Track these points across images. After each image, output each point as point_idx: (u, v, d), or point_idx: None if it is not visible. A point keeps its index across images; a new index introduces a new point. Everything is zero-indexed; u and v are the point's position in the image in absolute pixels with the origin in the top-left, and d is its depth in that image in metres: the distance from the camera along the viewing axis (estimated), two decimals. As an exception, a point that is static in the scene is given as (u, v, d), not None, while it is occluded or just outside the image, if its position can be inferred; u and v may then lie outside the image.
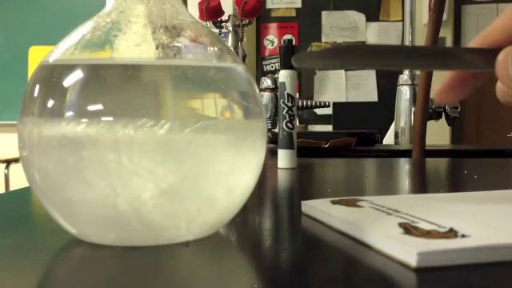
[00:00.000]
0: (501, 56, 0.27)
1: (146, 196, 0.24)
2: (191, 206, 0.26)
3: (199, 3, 1.22)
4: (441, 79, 0.32)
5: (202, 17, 1.23)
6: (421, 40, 1.10)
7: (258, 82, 1.42)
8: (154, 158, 0.24)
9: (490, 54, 0.28)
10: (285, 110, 0.69)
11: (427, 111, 1.05)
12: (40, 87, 0.26)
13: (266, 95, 1.35)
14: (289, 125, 0.69)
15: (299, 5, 3.18)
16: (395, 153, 1.17)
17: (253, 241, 0.29)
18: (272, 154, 0.74)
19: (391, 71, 3.01)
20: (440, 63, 0.29)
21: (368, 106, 2.92)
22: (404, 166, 0.80)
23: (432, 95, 1.09)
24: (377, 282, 0.21)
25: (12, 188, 2.59)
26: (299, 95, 3.05)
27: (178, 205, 0.25)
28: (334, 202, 0.34)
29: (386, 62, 0.28)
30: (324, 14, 3.17)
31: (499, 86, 0.30)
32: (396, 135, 1.35)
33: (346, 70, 3.13)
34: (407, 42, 1.37)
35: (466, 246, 0.23)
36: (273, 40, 3.21)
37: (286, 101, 0.69)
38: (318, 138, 1.11)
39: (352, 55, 0.26)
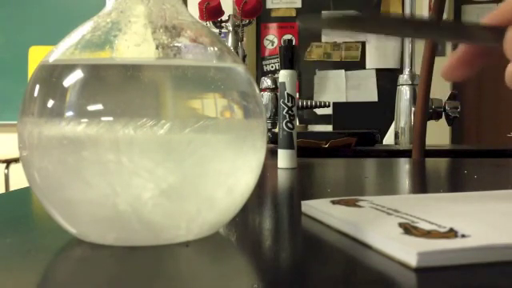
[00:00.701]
0: (510, 33, 0.27)
1: (146, 196, 0.24)
2: (191, 206, 0.26)
3: (199, 3, 1.22)
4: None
5: (202, 17, 1.23)
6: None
7: (258, 82, 1.42)
8: (154, 158, 0.24)
9: (499, 30, 0.28)
10: (285, 110, 0.69)
11: (427, 111, 1.05)
12: (40, 87, 0.26)
13: (266, 95, 1.35)
14: (289, 125, 0.69)
15: (299, 5, 3.18)
16: (395, 153, 1.17)
17: (253, 241, 0.29)
18: (272, 154, 0.74)
19: (391, 71, 3.02)
20: (449, 35, 0.29)
21: (368, 105, 2.92)
22: (404, 166, 0.80)
23: (432, 95, 1.09)
24: (377, 282, 0.21)
25: (12, 188, 2.59)
26: (299, 95, 3.05)
27: (178, 205, 0.25)
28: (334, 202, 0.34)
29: (394, 32, 0.29)
30: (324, 14, 3.16)
31: (509, 71, 0.30)
32: (396, 135, 1.35)
33: (346, 70, 3.13)
34: (407, 43, 1.37)
35: (466, 246, 0.23)
36: (273, 40, 3.21)
37: (286, 101, 0.69)
38: (318, 138, 1.11)
39: (360, 24, 0.27)
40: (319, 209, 0.32)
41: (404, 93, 1.32)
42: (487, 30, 0.29)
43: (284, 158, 0.69)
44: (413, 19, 0.31)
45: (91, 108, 0.24)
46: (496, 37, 0.28)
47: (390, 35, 0.29)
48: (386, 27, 0.28)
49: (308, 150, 1.05)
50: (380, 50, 3.12)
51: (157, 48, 0.27)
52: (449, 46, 2.92)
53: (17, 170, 2.62)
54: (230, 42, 1.27)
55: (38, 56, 2.97)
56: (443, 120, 1.26)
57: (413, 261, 0.22)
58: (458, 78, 0.32)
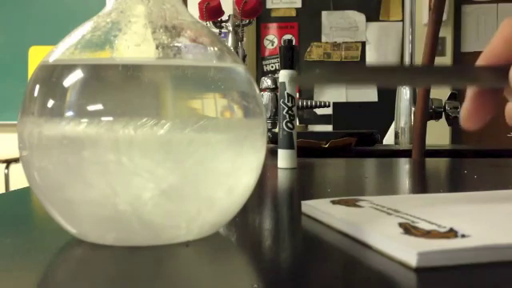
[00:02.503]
0: None
1: (146, 196, 0.24)
2: (191, 206, 0.26)
3: (199, 3, 1.23)
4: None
5: (202, 17, 1.23)
6: (421, 40, 1.10)
7: (258, 82, 1.42)
8: (154, 157, 0.24)
9: (499, 70, 0.28)
10: (285, 110, 0.69)
11: (427, 111, 1.05)
12: (40, 87, 0.26)
13: (266, 95, 1.35)
14: (289, 125, 0.69)
15: (299, 5, 3.18)
16: (395, 153, 1.17)
17: (253, 241, 0.29)
18: (272, 154, 0.74)
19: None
20: (454, 80, 0.29)
21: (368, 105, 2.92)
22: (404, 166, 0.80)
23: (432, 95, 1.08)
24: (377, 282, 0.21)
25: (12, 188, 2.59)
26: (299, 95, 3.05)
27: (178, 205, 0.25)
28: (334, 202, 0.34)
29: (390, 80, 0.28)
30: (324, 13, 3.17)
31: (509, 109, 0.30)
32: (396, 135, 1.35)
33: (346, 70, 3.13)
34: (407, 42, 1.37)
35: (466, 246, 0.23)
36: (273, 40, 3.21)
37: (286, 101, 0.69)
38: (318, 138, 1.11)
39: (352, 74, 0.26)
40: (319, 209, 0.32)
41: (404, 93, 1.33)
42: (489, 71, 0.29)
43: (284, 157, 0.69)
44: (410, 67, 0.30)
45: (91, 108, 0.24)
46: (498, 76, 0.28)
47: (385, 84, 0.28)
48: (380, 76, 0.27)
49: (308, 150, 1.05)
50: (380, 50, 3.12)
51: (157, 48, 0.27)
52: (449, 46, 2.92)
53: (17, 170, 2.62)
54: (230, 41, 1.27)
55: (38, 56, 2.97)
56: (443, 120, 1.26)
57: (413, 261, 0.22)
58: (480, 124, 0.31)
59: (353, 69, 0.27)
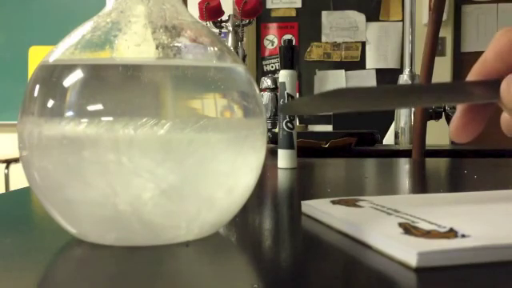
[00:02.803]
0: (503, 85, 0.27)
1: (146, 196, 0.24)
2: (191, 206, 0.26)
3: (199, 3, 1.22)
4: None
5: (202, 17, 1.23)
6: (421, 40, 1.10)
7: (258, 82, 1.42)
8: (154, 157, 0.24)
9: (491, 84, 0.28)
10: (285, 110, 0.69)
11: (427, 111, 1.05)
12: (40, 87, 0.26)
13: (266, 95, 1.35)
14: (289, 125, 0.69)
15: (299, 5, 3.18)
16: (395, 153, 1.17)
17: (253, 241, 0.29)
18: (272, 154, 0.74)
19: (391, 71, 3.01)
20: (446, 98, 0.28)
21: (368, 106, 2.92)
22: (404, 166, 0.80)
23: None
24: (377, 282, 0.21)
25: (12, 188, 2.59)
26: (299, 95, 3.05)
27: (178, 205, 0.25)
28: (334, 202, 0.34)
29: (379, 104, 0.27)
30: (324, 13, 3.17)
31: (504, 119, 0.30)
32: (396, 135, 1.35)
33: (346, 70, 3.13)
34: (407, 42, 1.37)
35: (465, 246, 0.23)
36: (273, 40, 3.21)
37: (286, 101, 0.69)
38: (318, 138, 1.11)
39: (340, 99, 0.26)
40: (319, 209, 0.32)
41: (404, 93, 1.32)
42: (480, 86, 0.29)
43: (284, 157, 0.69)
44: (402, 88, 0.30)
45: (91, 108, 0.24)
46: (491, 91, 0.28)
47: (376, 108, 0.27)
48: (369, 100, 0.26)
49: (308, 149, 1.05)
50: (380, 50, 3.12)
51: (157, 48, 0.27)
52: (449, 46, 2.91)
53: (17, 170, 2.62)
54: (230, 42, 1.27)
55: (38, 56, 2.98)
56: (443, 120, 1.26)
57: (413, 261, 0.22)
58: (470, 138, 0.31)
59: (344, 94, 0.26)
